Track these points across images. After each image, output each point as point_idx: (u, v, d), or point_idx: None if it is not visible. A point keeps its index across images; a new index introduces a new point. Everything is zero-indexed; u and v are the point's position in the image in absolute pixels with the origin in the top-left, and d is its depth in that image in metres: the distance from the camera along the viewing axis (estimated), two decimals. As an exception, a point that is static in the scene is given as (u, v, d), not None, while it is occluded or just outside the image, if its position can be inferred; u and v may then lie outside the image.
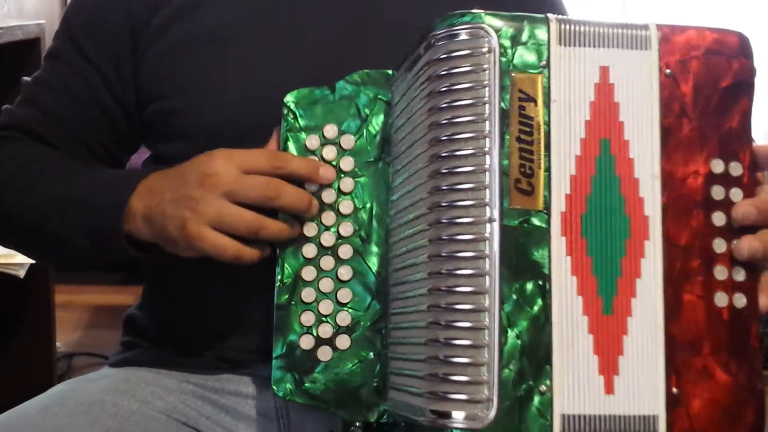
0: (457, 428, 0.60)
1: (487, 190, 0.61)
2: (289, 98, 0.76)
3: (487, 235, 0.61)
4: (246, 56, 0.82)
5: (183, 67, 0.83)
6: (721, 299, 0.63)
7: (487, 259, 0.60)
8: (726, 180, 0.64)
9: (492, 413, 0.59)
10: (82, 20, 0.87)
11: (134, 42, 0.84)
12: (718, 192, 0.63)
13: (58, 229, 0.79)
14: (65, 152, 0.86)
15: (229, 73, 0.82)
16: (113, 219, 0.75)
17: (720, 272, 0.63)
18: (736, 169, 0.64)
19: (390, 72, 0.76)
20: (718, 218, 0.63)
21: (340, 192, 0.75)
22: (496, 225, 0.61)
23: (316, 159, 0.75)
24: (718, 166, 0.63)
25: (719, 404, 0.61)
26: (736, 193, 0.64)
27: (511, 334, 0.60)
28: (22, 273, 1.60)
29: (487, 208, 0.61)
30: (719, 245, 0.63)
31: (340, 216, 0.75)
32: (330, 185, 0.75)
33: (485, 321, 0.60)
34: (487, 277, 0.60)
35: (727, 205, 0.64)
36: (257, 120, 0.76)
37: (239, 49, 0.82)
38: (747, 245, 0.63)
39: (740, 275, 0.63)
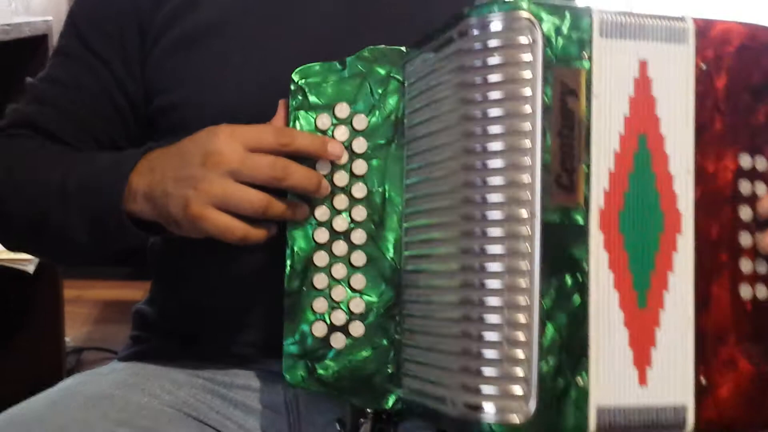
0: (493, 422, 0.60)
1: (529, 187, 0.60)
2: (297, 75, 0.73)
3: (527, 231, 0.60)
4: (244, 49, 0.81)
5: (184, 62, 0.81)
6: (745, 291, 0.65)
7: (527, 255, 0.60)
8: (752, 174, 0.65)
9: (531, 407, 0.59)
10: (89, 17, 0.85)
11: (142, 37, 0.83)
12: (745, 186, 0.65)
13: (59, 216, 0.76)
14: (74, 147, 0.83)
15: (228, 66, 0.81)
16: (113, 200, 0.72)
17: (745, 265, 0.65)
18: (761, 163, 0.65)
19: (403, 49, 0.73)
20: (745, 213, 0.65)
21: (352, 175, 0.73)
22: (537, 221, 0.60)
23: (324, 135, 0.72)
24: (745, 160, 0.65)
25: (743, 393, 0.63)
26: (760, 187, 0.65)
27: (550, 329, 0.60)
28: (31, 268, 1.59)
29: (528, 204, 0.60)
30: (745, 239, 0.65)
31: (353, 200, 0.73)
32: (342, 167, 0.72)
33: (523, 317, 0.60)
34: (527, 273, 0.60)
35: (753, 199, 0.65)
36: (257, 112, 0.73)
37: (238, 43, 0.81)
38: None
39: (763, 267, 0.65)
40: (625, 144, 0.62)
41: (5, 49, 1.49)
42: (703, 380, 0.63)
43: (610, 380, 0.61)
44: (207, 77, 0.80)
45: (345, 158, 0.72)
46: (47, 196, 0.76)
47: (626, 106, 0.62)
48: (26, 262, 1.57)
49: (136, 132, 0.86)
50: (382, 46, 0.74)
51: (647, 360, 0.62)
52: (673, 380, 0.62)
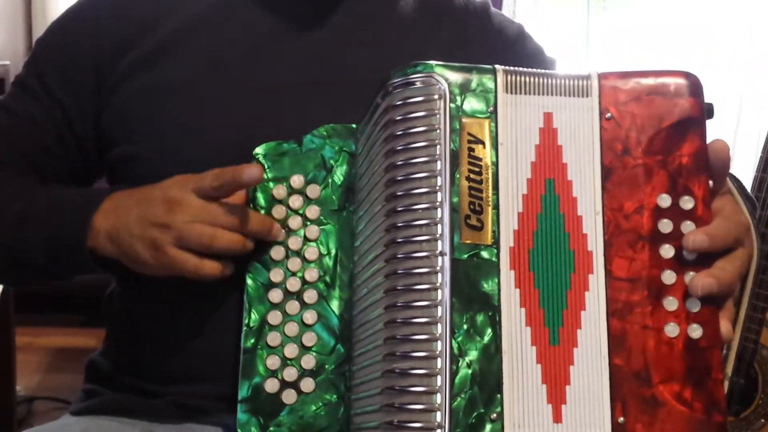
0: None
1: (439, 226, 0.64)
2: (259, 150, 0.80)
3: (438, 267, 0.63)
4: (207, 107, 0.85)
5: (148, 114, 0.85)
6: (672, 330, 0.64)
7: (439, 291, 0.63)
8: (676, 213, 0.66)
9: (444, 440, 0.61)
10: (49, 56, 0.90)
11: (99, 81, 0.87)
12: (665, 225, 0.65)
13: (16, 243, 0.81)
14: (18, 173, 0.88)
15: (190, 122, 0.85)
16: (76, 235, 0.77)
17: (670, 303, 0.64)
18: (687, 202, 0.66)
19: (354, 126, 0.80)
20: (667, 251, 0.65)
21: (305, 239, 0.78)
22: (447, 258, 0.64)
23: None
24: (664, 200, 0.66)
25: None
26: (687, 226, 0.65)
27: (463, 363, 0.62)
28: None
29: (439, 242, 0.64)
30: (669, 277, 0.65)
31: (306, 262, 0.78)
32: (296, 233, 0.78)
33: (438, 350, 0.62)
34: (439, 308, 0.63)
35: (676, 237, 0.65)
36: (221, 167, 0.80)
37: (201, 100, 0.85)
38: (701, 284, 0.64)
39: (695, 306, 0.64)
40: (533, 187, 0.66)
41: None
42: (620, 419, 0.62)
43: (524, 416, 0.62)
44: (168, 132, 0.84)
45: (298, 223, 0.78)
46: (6, 224, 0.81)
47: (533, 153, 0.66)
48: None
49: (82, 173, 0.91)
50: (338, 124, 0.81)
51: (562, 397, 0.62)
52: (588, 418, 0.62)
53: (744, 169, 2.41)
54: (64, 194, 0.84)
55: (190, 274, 0.74)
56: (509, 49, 0.94)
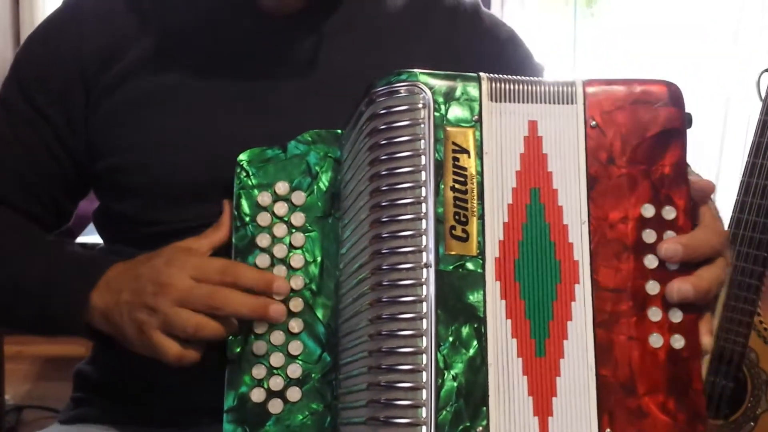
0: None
1: (423, 237, 0.63)
2: (243, 157, 0.79)
3: (423, 279, 0.63)
4: (195, 114, 0.84)
5: (133, 125, 0.84)
6: (656, 340, 0.64)
7: (424, 303, 0.63)
8: (658, 224, 0.66)
9: (429, 454, 0.60)
10: (32, 71, 0.88)
11: (86, 94, 0.86)
12: (649, 235, 0.66)
13: (9, 309, 0.81)
14: (12, 202, 0.87)
15: (178, 131, 0.84)
16: (71, 312, 0.77)
17: (654, 314, 0.65)
18: (669, 212, 0.66)
19: (339, 131, 0.79)
20: (650, 261, 0.65)
21: (291, 246, 0.77)
22: (431, 270, 0.63)
23: (271, 273, 0.75)
24: (648, 210, 0.66)
25: None
26: (669, 236, 0.66)
27: (448, 376, 0.62)
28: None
29: (424, 253, 0.63)
30: (653, 287, 0.65)
31: (291, 270, 0.77)
32: (281, 240, 0.77)
33: (423, 363, 0.62)
34: (424, 320, 0.62)
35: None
36: (207, 177, 0.79)
37: (189, 108, 0.85)
38: (676, 289, 0.64)
39: (677, 316, 0.65)
40: (518, 197, 0.65)
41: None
42: (607, 431, 0.62)
43: (511, 429, 0.62)
44: (153, 141, 0.83)
45: (283, 231, 0.77)
46: (2, 288, 0.81)
47: (518, 162, 0.66)
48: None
49: (77, 188, 0.90)
50: (323, 129, 0.80)
51: (548, 409, 0.62)
52: (575, 430, 0.62)
53: (731, 174, 2.42)
54: (61, 265, 0.82)
55: (170, 363, 0.73)
56: (499, 52, 0.92)
